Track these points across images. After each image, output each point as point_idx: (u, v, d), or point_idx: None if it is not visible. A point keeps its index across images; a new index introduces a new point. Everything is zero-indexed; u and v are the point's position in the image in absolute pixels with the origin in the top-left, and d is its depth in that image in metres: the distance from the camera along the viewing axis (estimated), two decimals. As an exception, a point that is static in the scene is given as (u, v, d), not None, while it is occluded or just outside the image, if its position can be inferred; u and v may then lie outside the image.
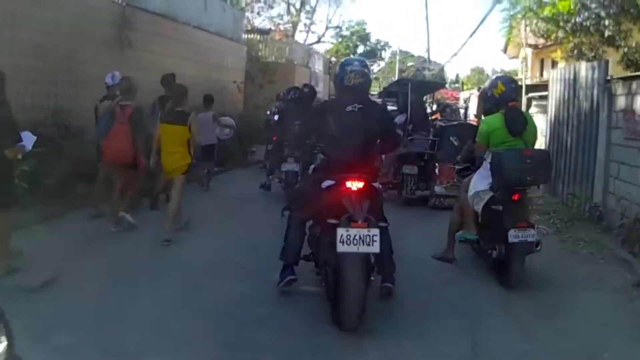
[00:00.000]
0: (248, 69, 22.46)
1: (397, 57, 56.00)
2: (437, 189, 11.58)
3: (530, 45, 22.37)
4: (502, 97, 6.83)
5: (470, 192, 6.99)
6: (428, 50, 37.79)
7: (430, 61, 38.47)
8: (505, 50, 28.51)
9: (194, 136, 8.07)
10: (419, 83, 12.73)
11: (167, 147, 8.07)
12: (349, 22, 46.88)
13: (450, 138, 11.72)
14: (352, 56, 33.23)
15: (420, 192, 11.80)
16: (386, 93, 14.07)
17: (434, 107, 14.10)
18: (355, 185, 5.34)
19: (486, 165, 6.83)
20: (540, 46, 22.17)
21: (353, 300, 5.00)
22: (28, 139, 6.44)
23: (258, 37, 26.44)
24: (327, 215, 5.34)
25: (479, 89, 19.11)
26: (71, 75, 11.36)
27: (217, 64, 19.11)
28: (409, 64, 58.92)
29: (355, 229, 5.09)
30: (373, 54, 52.38)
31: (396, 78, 55.56)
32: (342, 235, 5.03)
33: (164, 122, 8.06)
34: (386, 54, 57.19)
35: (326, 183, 5.50)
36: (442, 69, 43.13)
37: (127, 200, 8.68)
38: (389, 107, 12.48)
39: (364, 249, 5.06)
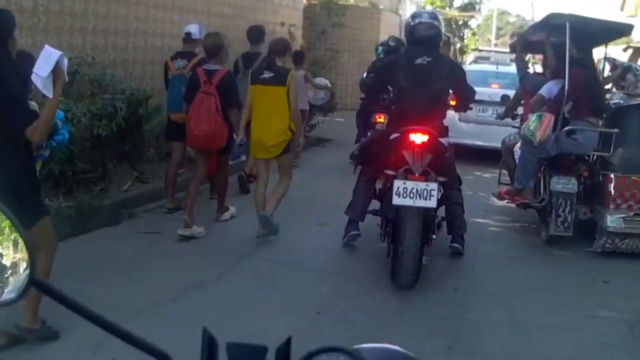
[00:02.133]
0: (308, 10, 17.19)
1: (495, 12, 50.67)
2: (611, 219, 6.47)
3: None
4: None
5: None
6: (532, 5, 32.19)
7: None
8: (622, 7, 25.98)
9: (291, 102, 6.32)
10: (587, 23, 6.94)
11: (263, 117, 6.33)
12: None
13: (636, 127, 6.75)
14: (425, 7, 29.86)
15: (581, 219, 6.84)
16: (522, 45, 8.10)
17: (604, 68, 8.03)
18: (419, 138, 5.24)
19: None
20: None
21: (407, 255, 5.03)
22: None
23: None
24: (389, 168, 5.40)
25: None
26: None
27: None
28: (511, 19, 53.72)
29: (412, 181, 5.13)
30: (472, 7, 46.86)
31: (493, 38, 51.35)
32: (398, 188, 5.10)
33: (258, 84, 6.33)
34: (485, 9, 51.52)
35: (392, 135, 5.47)
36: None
37: (223, 200, 7.21)
38: (533, 71, 8.35)
39: (420, 202, 5.09)
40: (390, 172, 5.37)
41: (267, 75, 6.30)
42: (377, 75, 6.47)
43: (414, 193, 5.06)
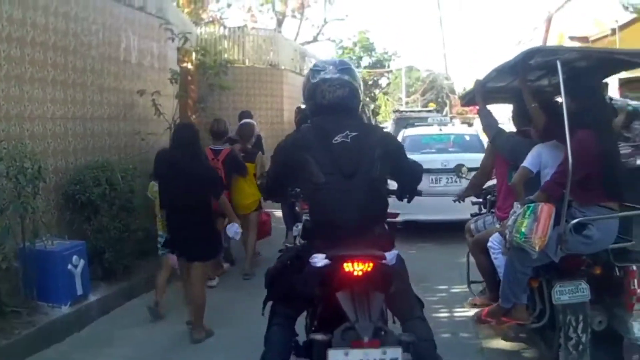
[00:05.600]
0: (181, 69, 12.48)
1: (404, 69, 49.76)
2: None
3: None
4: None
5: None
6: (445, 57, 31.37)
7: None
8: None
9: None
10: (585, 56, 4.84)
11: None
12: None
13: None
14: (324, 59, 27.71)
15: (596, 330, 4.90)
16: (482, 93, 5.90)
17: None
18: (359, 268, 3.47)
19: None
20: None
21: None
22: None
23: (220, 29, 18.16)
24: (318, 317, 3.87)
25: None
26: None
27: (109, 56, 9.09)
28: (423, 75, 53.65)
29: (359, 350, 3.29)
30: (381, 65, 46.39)
31: (403, 96, 50.84)
32: None
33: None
34: (392, 66, 51.33)
35: (317, 260, 3.64)
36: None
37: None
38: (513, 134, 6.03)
39: None
40: (318, 338, 3.51)
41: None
42: (275, 170, 4.27)
43: None
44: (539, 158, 4.94)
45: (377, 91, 47.44)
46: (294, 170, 3.99)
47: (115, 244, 7.37)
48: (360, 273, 3.53)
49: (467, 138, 12.06)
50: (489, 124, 5.76)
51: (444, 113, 31.35)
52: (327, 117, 4.00)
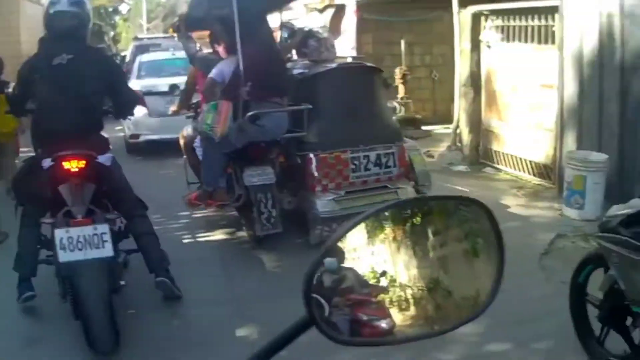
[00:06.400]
0: None
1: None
2: (322, 204, 5.76)
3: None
4: None
5: None
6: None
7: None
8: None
9: None
10: None
11: None
12: None
13: (330, 96, 6.05)
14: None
15: (287, 208, 6.09)
16: (186, 24, 6.69)
17: (282, 36, 7.15)
18: (74, 165, 4.28)
19: None
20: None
21: (97, 317, 4.03)
22: None
23: None
24: (49, 207, 4.50)
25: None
26: None
27: None
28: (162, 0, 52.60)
29: (77, 228, 4.15)
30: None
31: (144, 22, 49.52)
32: (62, 239, 4.10)
33: None
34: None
35: (45, 163, 4.44)
36: None
37: None
38: (205, 51, 7.13)
39: (93, 253, 4.12)
40: (47, 222, 4.41)
41: None
42: (16, 85, 5.00)
43: (83, 242, 4.09)
44: (221, 70, 5.82)
45: (117, 18, 46.28)
46: (29, 87, 4.67)
47: None
48: (76, 169, 4.27)
49: None
50: (187, 47, 6.59)
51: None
52: (53, 44, 4.63)
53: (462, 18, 9.22)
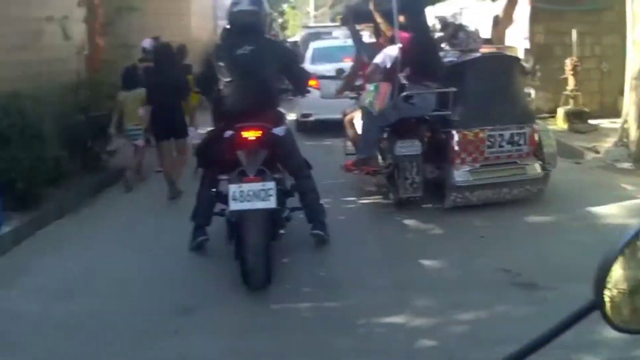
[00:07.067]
0: None
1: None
2: (458, 174, 6.67)
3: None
4: None
5: None
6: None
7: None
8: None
9: None
10: None
11: None
12: None
13: (473, 81, 6.86)
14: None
15: (429, 177, 7.00)
16: (353, 17, 8.11)
17: (441, 29, 8.18)
18: (250, 134, 5.21)
19: None
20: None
21: (255, 257, 4.88)
22: None
23: None
24: (226, 168, 5.39)
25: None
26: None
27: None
28: None
29: (248, 183, 5.06)
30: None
31: (312, 10, 50.82)
32: (234, 192, 5.03)
33: None
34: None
35: (227, 133, 5.39)
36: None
37: None
38: (367, 40, 8.58)
39: (259, 204, 5.00)
40: (224, 178, 5.39)
41: None
42: (202, 71, 6.16)
43: (251, 195, 4.97)
44: (383, 57, 6.82)
45: (285, 5, 47.97)
46: (214, 72, 5.69)
47: (27, 174, 7.01)
48: (253, 138, 5.22)
49: None
50: (355, 38, 7.90)
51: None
52: (236, 37, 5.66)
53: (635, 7, 8.73)
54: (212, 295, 5.03)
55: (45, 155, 7.27)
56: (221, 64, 5.56)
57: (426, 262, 5.50)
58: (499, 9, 14.98)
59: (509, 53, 7.71)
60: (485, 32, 16.33)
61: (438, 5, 7.99)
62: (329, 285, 5.11)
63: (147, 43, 10.54)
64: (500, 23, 15.55)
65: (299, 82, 6.07)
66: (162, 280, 5.36)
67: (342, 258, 5.69)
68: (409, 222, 6.65)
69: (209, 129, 6.85)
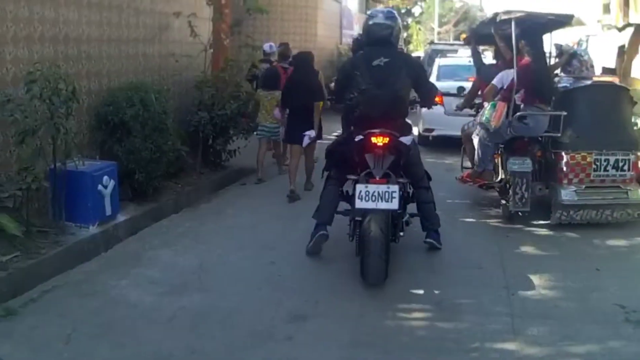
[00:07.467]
0: None
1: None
2: (565, 193, 7.14)
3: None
4: None
5: None
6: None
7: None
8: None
9: None
10: (532, 18, 7.36)
11: None
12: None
13: (584, 107, 7.35)
14: (378, 7, 27.83)
15: (537, 195, 7.48)
16: (475, 38, 8.85)
17: (557, 56, 8.34)
18: (379, 140, 5.47)
19: None
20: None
21: (374, 254, 5.19)
22: None
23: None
24: (354, 170, 5.73)
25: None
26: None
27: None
28: (456, 5, 53.11)
29: (374, 185, 5.38)
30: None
31: (436, 26, 51.09)
32: (360, 192, 5.35)
33: None
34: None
35: (358, 137, 5.64)
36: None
37: None
38: (487, 62, 9.18)
39: (382, 205, 5.29)
40: (352, 177, 5.74)
41: None
42: (338, 82, 6.40)
43: (376, 196, 5.29)
44: (501, 79, 7.47)
45: (409, 20, 47.57)
46: (350, 81, 5.88)
47: (147, 165, 7.15)
48: (381, 144, 5.47)
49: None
50: (476, 60, 8.56)
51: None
52: (372, 48, 5.85)
53: None
54: (327, 304, 5.08)
55: (165, 149, 7.42)
56: (357, 72, 5.77)
57: (543, 292, 5.45)
58: (625, 38, 15.00)
59: (618, 83, 8.07)
60: (610, 62, 16.45)
61: (563, 31, 8.29)
62: (444, 307, 5.08)
63: (267, 46, 11.39)
64: (626, 53, 15.66)
65: (428, 95, 6.30)
66: (277, 284, 5.48)
67: (460, 279, 5.72)
68: (524, 247, 6.74)
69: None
